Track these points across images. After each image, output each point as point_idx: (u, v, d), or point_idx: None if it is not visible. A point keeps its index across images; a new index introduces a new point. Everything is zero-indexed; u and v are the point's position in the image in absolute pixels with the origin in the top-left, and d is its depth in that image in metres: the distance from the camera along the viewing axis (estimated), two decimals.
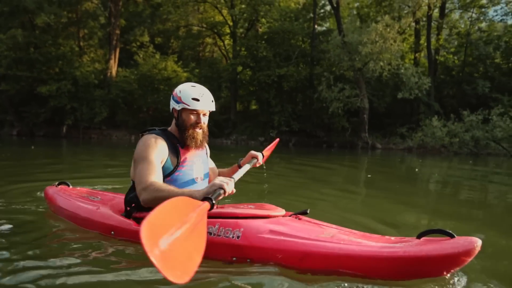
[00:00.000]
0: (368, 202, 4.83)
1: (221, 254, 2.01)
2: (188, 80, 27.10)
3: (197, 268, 1.34)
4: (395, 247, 1.85)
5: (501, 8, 22.57)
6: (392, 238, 2.07)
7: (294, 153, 16.61)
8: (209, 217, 1.91)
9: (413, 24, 23.99)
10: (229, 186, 1.93)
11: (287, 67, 21.64)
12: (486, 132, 17.10)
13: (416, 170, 9.97)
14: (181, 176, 2.28)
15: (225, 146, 20.86)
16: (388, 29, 17.45)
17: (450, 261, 1.78)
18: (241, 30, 25.65)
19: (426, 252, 1.77)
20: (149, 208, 2.10)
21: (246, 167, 2.37)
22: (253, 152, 2.54)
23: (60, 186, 3.08)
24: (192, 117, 2.25)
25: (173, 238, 1.31)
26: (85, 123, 24.88)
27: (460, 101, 21.91)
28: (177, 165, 2.27)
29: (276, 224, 2.07)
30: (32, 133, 24.99)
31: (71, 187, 3.12)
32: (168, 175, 2.25)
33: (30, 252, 2.18)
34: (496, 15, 23.81)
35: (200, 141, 2.31)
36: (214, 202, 1.76)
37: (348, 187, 6.26)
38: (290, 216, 2.23)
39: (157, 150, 2.21)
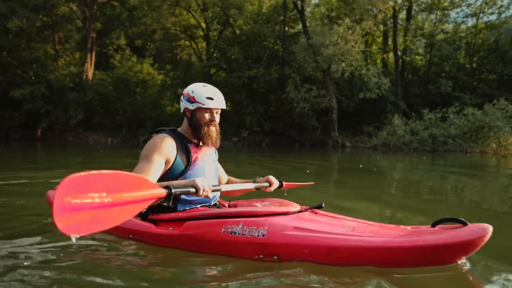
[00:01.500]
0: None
1: (248, 252, 2.04)
2: (163, 82, 27.42)
3: (88, 233, 1.45)
4: (414, 236, 1.90)
5: (461, 11, 23.39)
6: (408, 227, 2.11)
7: (267, 152, 17.08)
8: (232, 216, 2.09)
9: (382, 26, 24.75)
10: (205, 190, 2.00)
11: (257, 69, 22.08)
12: (442, 130, 17.76)
13: (361, 166, 10.48)
14: (193, 174, 2.28)
15: None
16: (350, 31, 18.00)
17: (466, 247, 1.83)
18: (214, 33, 26.03)
19: (444, 240, 1.82)
20: (164, 209, 2.22)
21: (250, 185, 2.42)
22: (270, 177, 2.56)
23: None
24: (206, 115, 2.30)
25: (87, 201, 1.39)
26: (60, 126, 25.01)
27: (425, 100, 22.65)
28: (188, 164, 2.29)
29: (299, 220, 2.10)
30: (8, 137, 25.00)
31: None
32: (180, 173, 2.27)
33: (50, 255, 2.16)
34: (457, 17, 24.60)
35: (215, 138, 2.34)
36: (172, 192, 1.83)
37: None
38: (306, 210, 2.26)
39: (162, 150, 2.21)
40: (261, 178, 2.58)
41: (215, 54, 24.71)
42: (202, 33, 26.41)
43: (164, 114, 26.39)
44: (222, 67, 24.13)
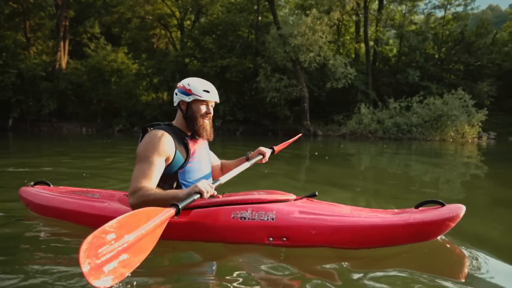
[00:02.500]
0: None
1: (258, 235, 2.11)
2: (138, 71, 27.10)
3: (124, 276, 1.43)
4: (404, 216, 2.10)
5: (429, 2, 23.72)
6: (396, 210, 2.32)
7: (241, 141, 17.18)
8: (238, 203, 2.15)
9: (354, 16, 24.92)
10: (208, 192, 2.00)
11: (230, 58, 22.06)
12: (406, 119, 18.20)
13: (316, 153, 10.74)
14: (192, 166, 2.32)
15: None
16: (319, 22, 18.10)
17: (447, 224, 2.07)
18: (188, 22, 25.78)
19: (430, 218, 2.05)
20: None
21: (245, 165, 2.43)
22: (261, 148, 2.62)
23: (37, 186, 2.86)
24: (202, 107, 2.30)
25: (111, 248, 1.41)
26: (32, 116, 24.57)
27: (395, 90, 23.06)
28: (187, 157, 2.30)
29: (302, 205, 2.21)
30: None
31: (52, 186, 2.89)
32: (181, 167, 2.28)
33: (50, 254, 2.11)
34: (426, 8, 24.94)
35: (209, 131, 2.37)
36: (180, 208, 1.82)
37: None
38: (302, 198, 2.34)
39: (161, 149, 2.18)
40: (251, 152, 2.63)
41: (188, 44, 24.52)
42: (176, 22, 26.08)
43: (139, 103, 26.16)
44: (196, 57, 23.99)
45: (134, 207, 2.06)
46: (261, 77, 20.31)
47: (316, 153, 10.77)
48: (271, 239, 2.11)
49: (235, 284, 1.75)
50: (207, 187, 2.00)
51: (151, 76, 26.85)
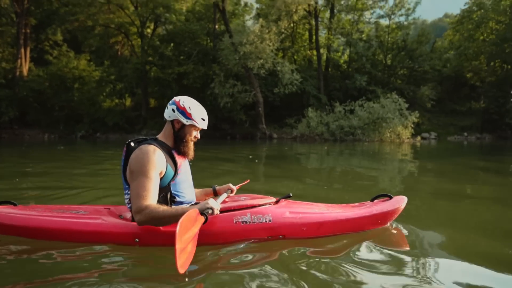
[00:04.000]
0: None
1: (258, 235, 2.32)
2: (101, 78, 26.57)
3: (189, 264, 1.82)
4: (368, 208, 2.55)
5: (373, 12, 24.43)
6: (357, 204, 2.75)
7: (200, 145, 17.08)
8: (238, 209, 2.33)
9: (307, 24, 25.35)
10: (217, 209, 2.19)
11: (187, 65, 22.00)
12: (348, 121, 18.67)
13: (250, 157, 10.87)
14: (181, 178, 2.37)
15: None
16: (267, 31, 18.33)
17: (396, 212, 2.58)
18: (148, 30, 25.56)
19: (386, 209, 2.54)
20: None
21: (224, 196, 2.57)
22: (231, 185, 2.76)
23: (2, 206, 2.56)
24: (194, 132, 2.40)
25: (184, 243, 1.80)
26: None
27: (345, 94, 23.57)
28: (176, 169, 2.34)
29: (289, 206, 2.46)
30: None
31: (20, 205, 2.64)
32: (172, 179, 2.32)
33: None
34: (371, 18, 25.67)
35: (192, 152, 2.45)
36: (207, 217, 2.08)
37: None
38: (279, 200, 2.55)
39: (156, 164, 2.21)
40: (217, 186, 2.79)
41: (148, 51, 24.32)
42: (136, 30, 25.82)
43: (101, 109, 25.72)
44: (155, 64, 23.81)
45: (142, 224, 2.13)
46: (215, 83, 20.36)
47: (250, 156, 10.88)
48: (270, 237, 2.34)
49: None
50: (217, 205, 2.19)
51: (114, 83, 26.47)
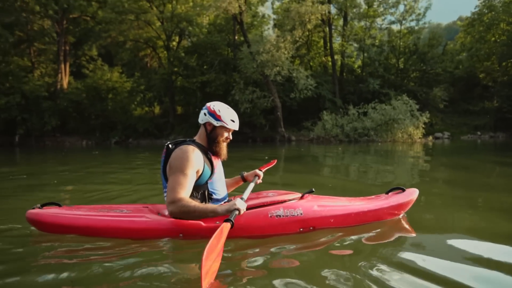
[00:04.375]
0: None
1: (292, 228, 2.47)
2: (132, 89, 28.59)
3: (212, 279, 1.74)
4: (384, 200, 2.75)
5: (384, 19, 25.27)
6: (373, 196, 2.94)
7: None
8: (272, 204, 2.47)
9: (322, 33, 26.47)
10: (243, 209, 2.28)
11: (209, 74, 23.59)
12: (362, 123, 19.61)
13: (267, 158, 12.04)
14: (216, 177, 2.51)
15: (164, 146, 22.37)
16: (282, 40, 19.64)
17: (409, 203, 2.80)
18: (174, 43, 27.42)
19: (402, 200, 2.75)
20: None
21: (251, 186, 2.66)
22: (257, 171, 2.87)
23: (45, 207, 2.67)
24: (225, 134, 2.52)
25: (210, 262, 1.73)
26: (36, 132, 26.10)
27: (359, 97, 24.47)
28: (213, 169, 2.47)
29: (316, 200, 2.63)
30: None
31: (64, 206, 2.76)
32: (209, 178, 2.45)
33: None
34: (383, 24, 26.49)
35: (225, 153, 2.58)
36: (233, 222, 2.10)
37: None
38: (303, 195, 2.68)
39: (194, 163, 2.34)
40: (245, 172, 2.93)
41: (174, 62, 26.13)
42: (163, 44, 27.75)
43: (132, 117, 27.65)
44: (180, 74, 25.58)
45: (174, 215, 2.32)
46: (236, 90, 21.80)
47: (266, 157, 11.86)
48: (301, 229, 2.50)
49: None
50: (243, 205, 2.30)
51: (144, 92, 28.45)
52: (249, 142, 24.33)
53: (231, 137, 2.57)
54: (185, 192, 2.30)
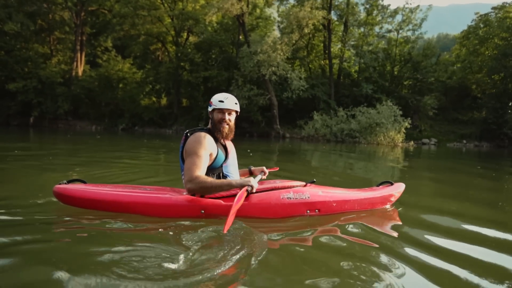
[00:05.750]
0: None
1: (300, 210, 2.68)
2: (142, 79, 29.52)
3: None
4: (377, 192, 3.05)
5: (381, 27, 25.58)
6: (366, 188, 3.21)
7: None
8: (283, 188, 2.68)
9: (323, 36, 26.91)
10: (256, 186, 2.48)
11: (211, 70, 24.31)
12: (348, 125, 20.11)
13: (249, 151, 12.62)
14: (231, 162, 2.67)
15: (167, 135, 22.64)
16: (280, 41, 20.22)
17: (397, 195, 3.14)
18: (182, 39, 28.19)
19: (392, 192, 3.10)
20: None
21: (259, 176, 2.84)
22: (264, 168, 3.06)
23: (71, 184, 2.74)
24: (219, 114, 2.60)
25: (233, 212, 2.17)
26: (50, 115, 27.21)
27: (353, 100, 24.88)
28: (227, 154, 2.63)
29: (319, 188, 2.84)
30: (8, 123, 27.19)
31: (89, 183, 2.83)
32: (224, 161, 2.61)
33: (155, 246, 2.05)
34: (380, 32, 26.77)
35: (226, 133, 2.63)
36: (248, 192, 2.43)
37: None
38: (306, 184, 2.86)
39: (206, 146, 2.49)
40: (252, 167, 3.13)
41: (182, 57, 26.91)
42: (171, 39, 28.56)
43: (139, 106, 28.52)
44: (185, 68, 26.37)
45: (192, 191, 2.50)
46: (233, 86, 22.47)
47: (251, 154, 12.55)
48: (308, 211, 2.70)
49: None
50: (255, 183, 2.47)
51: (153, 84, 29.35)
52: (247, 136, 24.87)
53: (227, 117, 2.61)
54: (200, 171, 2.44)
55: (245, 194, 2.38)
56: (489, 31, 24.53)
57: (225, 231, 2.00)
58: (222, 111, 2.61)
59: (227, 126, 2.62)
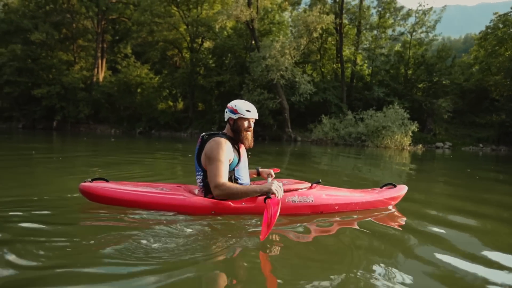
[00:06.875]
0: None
1: (304, 211, 2.75)
2: (159, 84, 30.25)
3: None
4: (379, 194, 3.09)
5: (393, 30, 25.06)
6: (369, 189, 3.23)
7: None
8: (288, 191, 2.76)
9: (336, 40, 26.69)
10: (280, 194, 2.55)
11: (224, 75, 24.63)
12: (356, 128, 19.83)
13: (249, 154, 12.73)
14: (242, 165, 2.75)
15: (182, 138, 23.18)
16: (288, 46, 20.25)
17: (399, 197, 3.17)
18: (196, 45, 28.73)
19: (394, 194, 3.13)
20: None
21: (270, 179, 2.98)
22: (271, 171, 3.16)
23: (94, 181, 2.89)
24: (245, 123, 2.70)
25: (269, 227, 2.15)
26: (71, 119, 28.44)
27: (365, 104, 24.52)
28: (239, 159, 2.71)
29: (324, 190, 2.93)
30: (34, 126, 28.67)
31: (111, 181, 2.97)
32: (236, 165, 2.69)
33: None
34: (393, 34, 26.21)
35: (250, 140, 2.76)
36: (266, 198, 2.47)
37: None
38: (312, 184, 2.97)
39: (227, 151, 2.59)
40: (260, 168, 3.23)
41: (196, 63, 27.44)
42: (187, 45, 29.16)
43: (156, 111, 29.28)
44: (199, 73, 26.84)
45: (219, 197, 2.59)
46: (244, 91, 22.67)
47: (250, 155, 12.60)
48: (312, 213, 2.79)
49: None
50: (280, 191, 2.55)
51: (170, 88, 30.05)
52: (259, 140, 25.02)
53: (252, 126, 2.76)
54: (224, 177, 2.56)
55: (279, 203, 2.34)
56: (509, 32, 23.53)
57: (262, 239, 2.09)
58: (248, 120, 2.74)
59: (250, 134, 2.78)
